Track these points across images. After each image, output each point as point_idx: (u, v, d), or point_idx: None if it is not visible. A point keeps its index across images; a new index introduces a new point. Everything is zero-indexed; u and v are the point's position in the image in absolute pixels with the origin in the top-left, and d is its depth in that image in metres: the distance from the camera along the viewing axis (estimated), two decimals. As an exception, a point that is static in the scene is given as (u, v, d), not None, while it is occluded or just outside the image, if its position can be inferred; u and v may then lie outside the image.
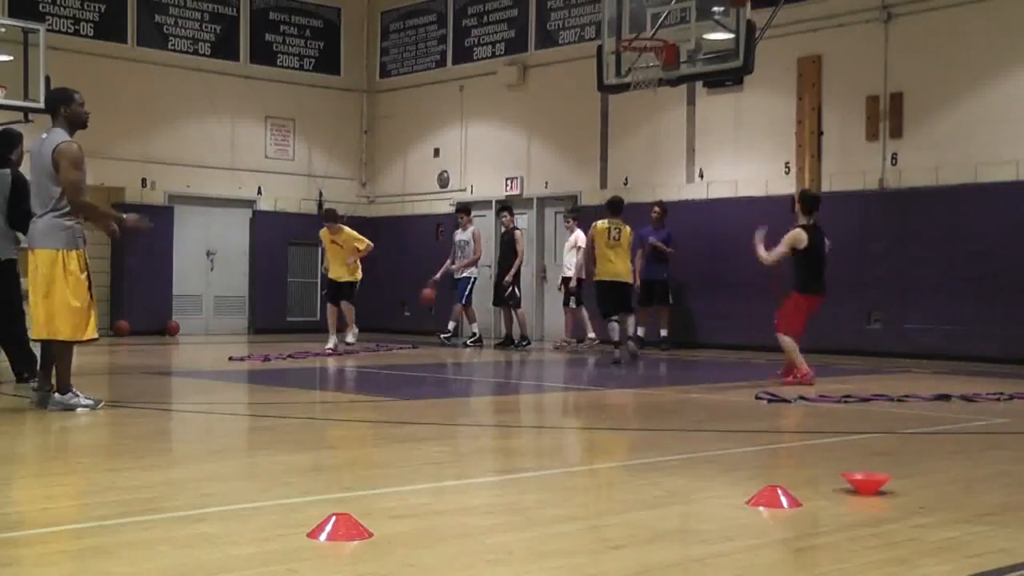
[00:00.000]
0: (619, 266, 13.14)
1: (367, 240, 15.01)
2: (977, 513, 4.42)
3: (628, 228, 13.40)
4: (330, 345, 14.51)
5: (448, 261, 16.96)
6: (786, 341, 10.53)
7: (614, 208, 13.50)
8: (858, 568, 3.55)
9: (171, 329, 18.76)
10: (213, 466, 5.63)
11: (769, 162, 15.86)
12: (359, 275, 15.06)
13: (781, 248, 10.62)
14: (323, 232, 15.08)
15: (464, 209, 17.31)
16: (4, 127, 9.88)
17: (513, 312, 16.55)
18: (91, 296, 7.50)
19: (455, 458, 6.10)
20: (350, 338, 14.86)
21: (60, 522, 4.18)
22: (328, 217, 15.15)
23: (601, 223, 13.30)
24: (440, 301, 17.28)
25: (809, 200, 11.04)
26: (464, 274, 16.72)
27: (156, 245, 18.84)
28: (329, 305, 15.07)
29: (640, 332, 15.04)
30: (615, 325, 13.18)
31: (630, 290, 13.62)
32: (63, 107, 7.58)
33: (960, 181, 14.11)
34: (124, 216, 8.12)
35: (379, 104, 21.53)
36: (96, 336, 7.59)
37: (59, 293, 7.36)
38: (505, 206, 17.30)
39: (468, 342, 16.79)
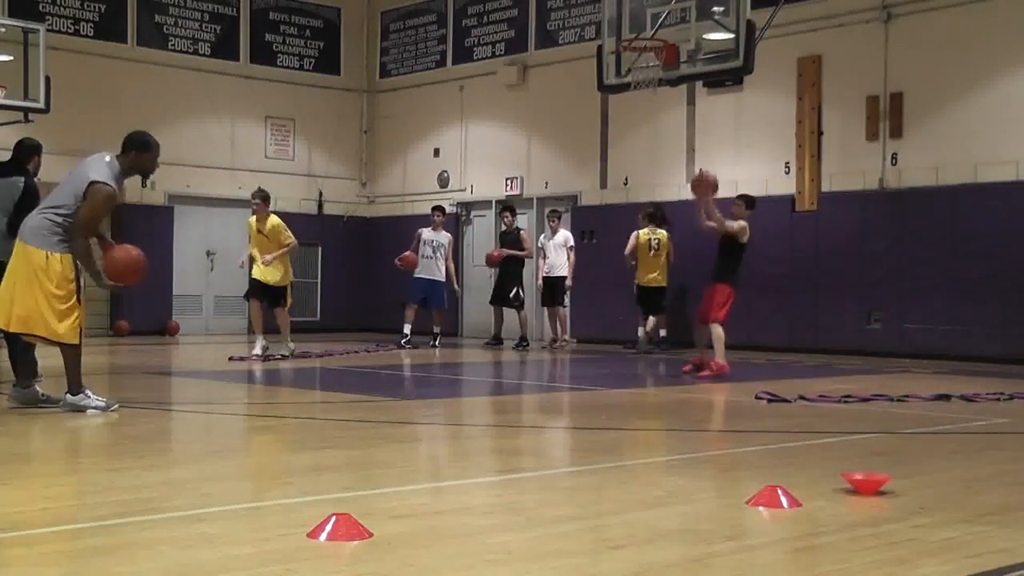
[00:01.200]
0: (656, 273, 15.38)
1: (293, 237, 13.23)
2: (977, 513, 4.42)
3: (665, 234, 15.35)
4: (257, 350, 12.85)
5: (421, 258, 15.88)
6: (718, 332, 11.26)
7: (653, 218, 15.37)
8: (858, 568, 3.55)
9: (171, 329, 18.77)
10: (213, 466, 5.63)
11: (769, 162, 15.86)
12: (290, 277, 13.49)
13: (731, 223, 11.37)
14: (250, 219, 13.27)
15: (440, 208, 16.63)
16: (24, 136, 9.91)
17: (516, 313, 16.52)
18: (78, 299, 7.40)
19: (455, 458, 6.10)
20: (285, 351, 13.14)
21: (60, 522, 4.18)
22: (260, 196, 13.23)
23: (643, 233, 15.36)
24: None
25: (751, 201, 11.88)
26: (440, 278, 15.98)
27: (156, 245, 18.85)
28: (252, 301, 13.27)
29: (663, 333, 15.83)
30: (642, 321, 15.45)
31: (664, 293, 15.52)
32: (135, 152, 7.62)
33: (960, 181, 14.11)
34: (103, 280, 7.69)
35: (379, 104, 21.53)
36: (76, 341, 7.41)
37: (39, 291, 7.30)
38: (507, 206, 17.24)
39: (404, 343, 15.56)
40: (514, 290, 16.42)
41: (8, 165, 9.38)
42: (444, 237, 16.15)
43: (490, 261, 16.65)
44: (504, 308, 16.61)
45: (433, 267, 15.96)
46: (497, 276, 16.81)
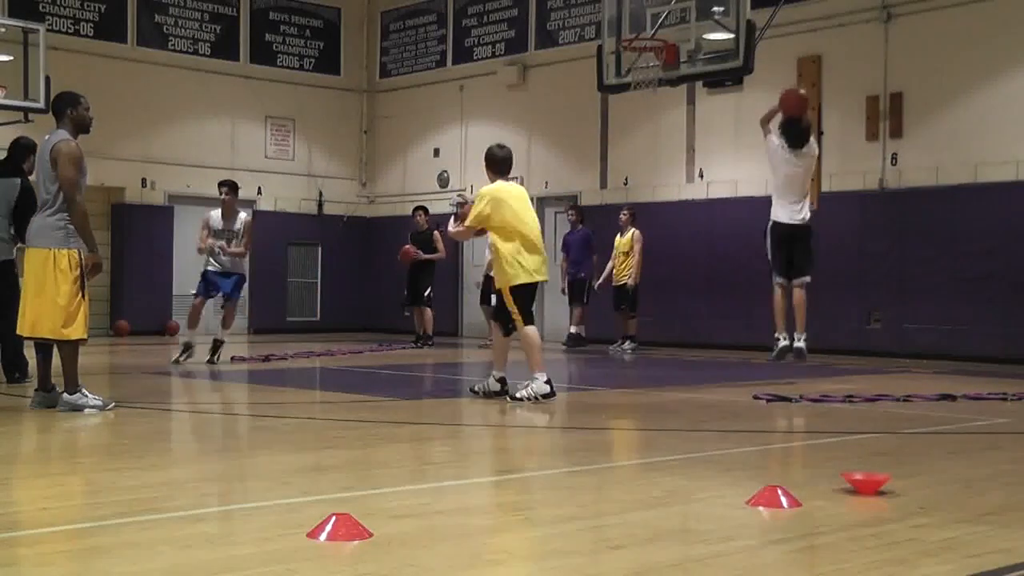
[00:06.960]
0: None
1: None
2: (977, 513, 4.42)
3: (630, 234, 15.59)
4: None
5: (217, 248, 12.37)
6: None
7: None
8: (858, 568, 3.55)
9: (171, 329, 18.76)
10: (213, 466, 5.63)
11: (769, 162, 15.82)
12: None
13: None
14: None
15: (230, 186, 12.48)
16: (18, 136, 9.88)
17: (423, 311, 16.14)
18: (83, 296, 7.44)
19: (455, 458, 6.10)
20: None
21: (60, 522, 4.18)
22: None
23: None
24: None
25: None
26: (241, 270, 12.74)
27: (156, 245, 18.87)
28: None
29: (573, 330, 16.12)
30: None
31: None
32: (69, 109, 7.60)
33: (960, 181, 14.11)
34: (97, 254, 7.57)
35: (379, 104, 21.53)
36: (85, 336, 7.48)
37: (48, 291, 7.35)
38: (420, 206, 16.85)
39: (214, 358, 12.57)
40: (428, 290, 16.16)
41: (4, 165, 9.39)
42: (239, 221, 12.43)
43: (404, 257, 16.02)
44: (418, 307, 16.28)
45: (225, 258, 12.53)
46: (409, 275, 16.27)
